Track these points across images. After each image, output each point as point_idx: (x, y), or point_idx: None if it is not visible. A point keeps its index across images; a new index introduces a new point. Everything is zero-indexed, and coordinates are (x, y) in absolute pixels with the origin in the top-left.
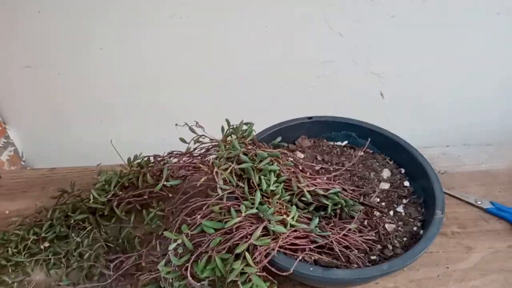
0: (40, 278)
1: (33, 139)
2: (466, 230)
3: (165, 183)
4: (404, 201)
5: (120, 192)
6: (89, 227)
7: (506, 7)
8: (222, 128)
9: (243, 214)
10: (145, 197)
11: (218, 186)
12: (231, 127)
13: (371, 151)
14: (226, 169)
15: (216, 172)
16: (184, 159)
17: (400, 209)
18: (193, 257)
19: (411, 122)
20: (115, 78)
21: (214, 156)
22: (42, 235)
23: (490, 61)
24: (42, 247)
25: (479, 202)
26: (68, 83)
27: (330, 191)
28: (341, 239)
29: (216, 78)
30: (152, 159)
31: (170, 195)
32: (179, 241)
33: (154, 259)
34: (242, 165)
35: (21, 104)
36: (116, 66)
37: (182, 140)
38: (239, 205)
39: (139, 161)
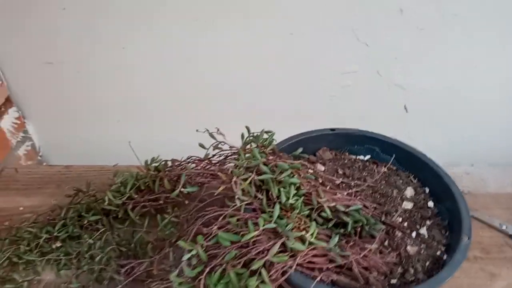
0: (50, 278)
1: (50, 135)
2: (489, 255)
3: (182, 189)
4: (428, 222)
5: (136, 195)
6: (102, 229)
7: None
8: (242, 136)
9: (261, 228)
10: (161, 202)
11: (236, 196)
12: (251, 135)
13: (394, 168)
14: (246, 179)
15: (235, 181)
16: (202, 165)
17: (423, 231)
18: (207, 269)
19: (434, 138)
20: (134, 78)
21: (233, 164)
22: (55, 234)
23: None
24: (54, 246)
25: (504, 227)
26: (87, 81)
27: (351, 208)
28: (360, 260)
29: (237, 84)
30: (169, 163)
31: (186, 201)
32: (194, 252)
33: (166, 268)
34: (262, 176)
35: (41, 99)
36: (136, 66)
37: (201, 145)
38: (257, 218)
39: (156, 164)
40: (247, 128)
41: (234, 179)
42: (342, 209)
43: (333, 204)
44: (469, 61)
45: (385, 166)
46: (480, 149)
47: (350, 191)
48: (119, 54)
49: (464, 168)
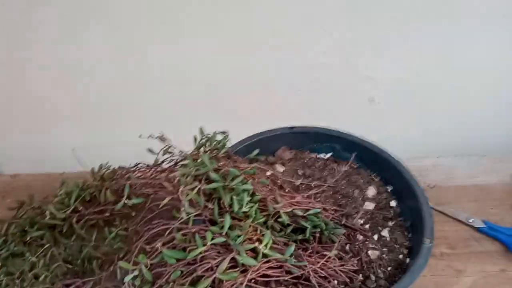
0: None
1: (1, 140)
2: (456, 251)
3: (126, 201)
4: (390, 223)
5: (81, 207)
6: (47, 245)
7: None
8: (195, 138)
9: (209, 243)
10: (107, 214)
11: (182, 209)
12: (204, 136)
13: (356, 166)
14: (193, 189)
15: (182, 191)
16: (149, 173)
17: (385, 233)
18: None
19: (404, 130)
20: (86, 76)
21: (181, 172)
22: None
23: (489, 69)
24: None
25: (470, 221)
26: (35, 81)
27: (309, 212)
28: (319, 269)
29: (194, 80)
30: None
31: (134, 213)
32: (136, 272)
33: (113, 286)
34: (211, 185)
35: None
36: (85, 62)
37: (150, 150)
38: (205, 231)
39: (101, 173)
40: (201, 129)
41: (181, 189)
42: (300, 213)
43: (290, 210)
44: (439, 50)
45: (346, 165)
46: (448, 140)
47: (309, 193)
48: (65, 49)
49: (431, 160)
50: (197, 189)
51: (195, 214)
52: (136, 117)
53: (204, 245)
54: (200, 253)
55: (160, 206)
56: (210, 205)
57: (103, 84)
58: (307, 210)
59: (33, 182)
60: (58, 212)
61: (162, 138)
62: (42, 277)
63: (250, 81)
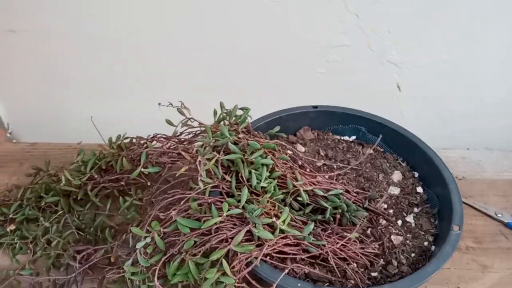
0: (4, 264)
1: (19, 111)
2: (482, 245)
3: (142, 170)
4: (416, 210)
5: (97, 176)
6: (61, 211)
7: None
8: (215, 112)
9: (225, 214)
10: (122, 183)
11: (199, 178)
12: (225, 111)
13: (381, 150)
14: (211, 159)
15: (199, 161)
16: (168, 144)
17: (410, 219)
18: (163, 258)
19: (428, 120)
20: (107, 48)
21: (200, 143)
22: (10, 216)
23: None
24: (8, 229)
25: (499, 215)
26: (55, 51)
27: (331, 192)
28: (338, 250)
29: (214, 56)
30: (134, 141)
31: (149, 183)
32: (149, 240)
33: (123, 255)
34: (230, 156)
35: (5, 71)
36: (106, 35)
37: (169, 122)
38: (221, 203)
39: (119, 142)
40: (221, 104)
41: (199, 159)
42: (321, 193)
43: (310, 188)
44: (468, 35)
45: (371, 148)
46: (477, 132)
47: (331, 174)
48: (86, 21)
49: (460, 152)
50: (215, 159)
51: (212, 185)
52: (156, 92)
53: (219, 216)
54: (215, 223)
55: (177, 174)
56: (227, 178)
57: (125, 58)
58: (328, 190)
59: (51, 151)
60: (73, 179)
61: (182, 107)
62: (55, 242)
63: (266, 58)
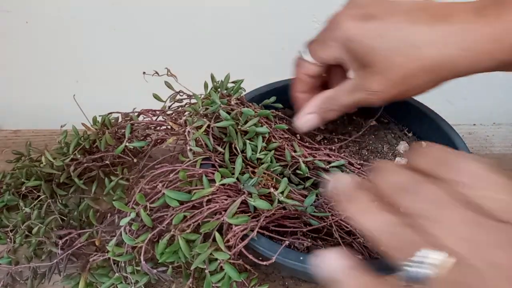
0: None
1: (0, 97)
2: None
3: (127, 144)
4: None
5: (80, 156)
6: (43, 197)
7: None
8: (205, 85)
9: (217, 184)
10: (107, 162)
11: (188, 148)
12: (216, 83)
13: (385, 121)
14: (200, 127)
15: (188, 131)
16: (156, 118)
17: None
18: (149, 236)
19: (433, 96)
20: (94, 31)
21: (189, 109)
22: None
23: None
24: None
25: None
26: (38, 33)
27: (333, 164)
28: (343, 223)
29: (206, 26)
30: (120, 118)
31: (136, 160)
32: (133, 215)
33: (108, 238)
34: (221, 123)
35: None
36: (94, 15)
37: (156, 97)
38: (213, 174)
39: (103, 119)
40: (212, 76)
41: (188, 128)
42: (322, 165)
43: (310, 159)
44: None
45: (374, 118)
46: (485, 108)
47: (331, 146)
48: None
49: (466, 128)
50: (205, 127)
51: (203, 157)
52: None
53: (211, 187)
54: (207, 195)
55: (164, 145)
56: (220, 149)
57: (113, 40)
58: (330, 162)
59: (34, 137)
60: (55, 159)
61: (169, 74)
62: (36, 228)
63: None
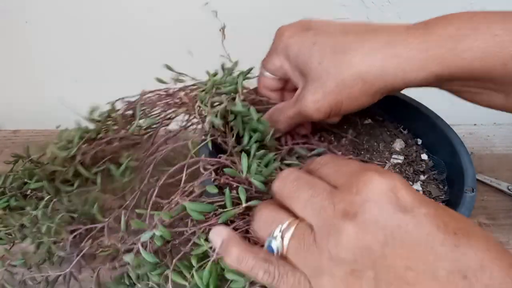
0: None
1: (1, 97)
2: (496, 222)
3: (139, 122)
4: (422, 177)
5: (84, 145)
6: (48, 197)
7: None
8: (211, 74)
9: (243, 205)
10: (116, 143)
11: (205, 123)
12: (226, 71)
13: (380, 119)
14: (215, 105)
15: (199, 106)
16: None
17: (417, 186)
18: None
19: (433, 97)
20: (94, 31)
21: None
22: None
23: None
24: None
25: None
26: (38, 33)
27: (313, 152)
28: None
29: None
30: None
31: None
32: (150, 234)
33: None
34: (236, 107)
35: None
36: (94, 15)
37: (160, 80)
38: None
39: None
40: (223, 65)
41: (198, 103)
42: (303, 152)
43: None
44: (472, 6)
45: (368, 117)
46: (485, 108)
47: (328, 146)
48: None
49: (467, 128)
50: (224, 105)
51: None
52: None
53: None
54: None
55: (174, 117)
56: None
57: (113, 38)
58: (312, 150)
59: (33, 138)
60: (60, 151)
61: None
62: (44, 227)
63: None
